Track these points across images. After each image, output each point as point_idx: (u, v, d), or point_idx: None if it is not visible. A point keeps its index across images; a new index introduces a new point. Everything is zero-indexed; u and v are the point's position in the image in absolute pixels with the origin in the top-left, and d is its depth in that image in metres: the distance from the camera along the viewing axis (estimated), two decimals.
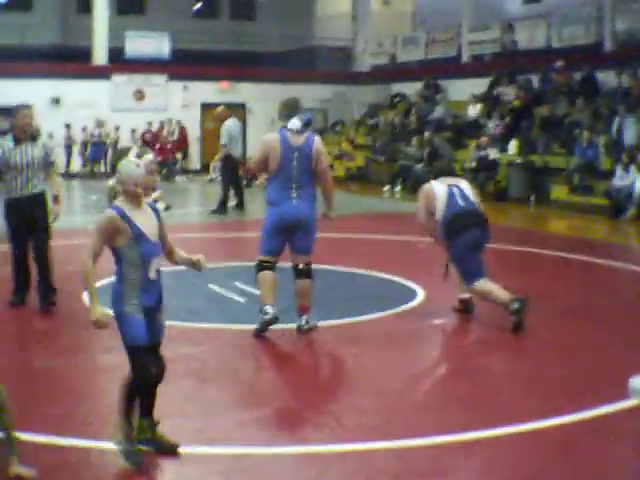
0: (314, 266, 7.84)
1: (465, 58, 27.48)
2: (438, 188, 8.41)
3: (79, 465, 4.82)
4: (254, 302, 8.16)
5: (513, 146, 21.32)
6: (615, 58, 21.73)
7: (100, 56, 29.18)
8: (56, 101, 26.95)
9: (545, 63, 23.17)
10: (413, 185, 19.83)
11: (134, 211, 4.71)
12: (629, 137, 18.50)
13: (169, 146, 28.15)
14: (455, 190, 8.39)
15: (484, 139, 21.11)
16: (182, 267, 5.22)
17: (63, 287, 8.86)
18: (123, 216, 4.66)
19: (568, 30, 23.57)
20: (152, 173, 4.77)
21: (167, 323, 5.03)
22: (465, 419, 5.60)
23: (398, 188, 22.96)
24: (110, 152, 28.02)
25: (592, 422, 5.54)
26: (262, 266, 7.73)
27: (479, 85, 24.97)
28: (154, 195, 17.97)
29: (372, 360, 7.18)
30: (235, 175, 17.93)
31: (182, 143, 29.37)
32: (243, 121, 26.03)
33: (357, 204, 19.78)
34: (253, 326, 7.67)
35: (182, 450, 4.90)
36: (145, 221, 4.74)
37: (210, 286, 9.62)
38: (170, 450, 4.90)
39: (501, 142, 21.62)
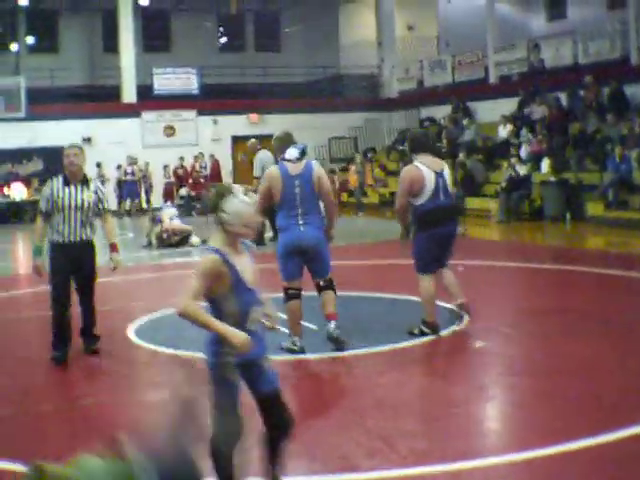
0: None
1: (492, 79, 27.46)
2: (428, 175, 8.36)
3: None
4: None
5: (545, 164, 21.25)
6: None
7: (129, 94, 29.57)
8: (88, 140, 27.22)
9: (573, 80, 23.15)
10: None
11: (234, 255, 4.32)
12: None
13: (202, 180, 28.12)
14: (441, 182, 8.41)
15: (515, 159, 21.06)
16: None
17: (101, 324, 8.59)
18: (225, 260, 4.27)
19: (594, 45, 23.49)
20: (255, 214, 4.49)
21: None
22: (520, 437, 5.61)
23: None
24: (143, 188, 28.33)
25: None
26: (289, 295, 7.93)
27: (508, 105, 24.93)
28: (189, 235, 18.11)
29: (418, 385, 7.16)
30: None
31: (216, 177, 28.95)
32: (274, 152, 26.02)
33: (392, 230, 19.65)
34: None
35: None
36: (244, 266, 4.36)
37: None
38: None
39: (534, 160, 21.56)
